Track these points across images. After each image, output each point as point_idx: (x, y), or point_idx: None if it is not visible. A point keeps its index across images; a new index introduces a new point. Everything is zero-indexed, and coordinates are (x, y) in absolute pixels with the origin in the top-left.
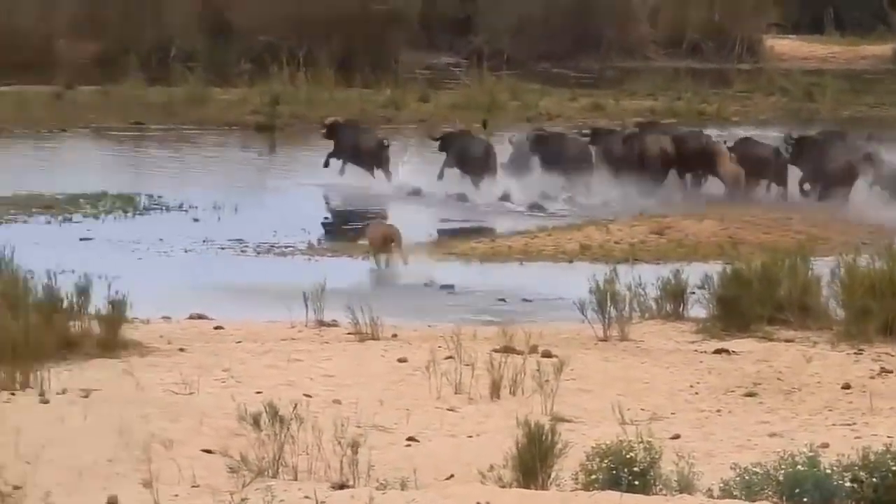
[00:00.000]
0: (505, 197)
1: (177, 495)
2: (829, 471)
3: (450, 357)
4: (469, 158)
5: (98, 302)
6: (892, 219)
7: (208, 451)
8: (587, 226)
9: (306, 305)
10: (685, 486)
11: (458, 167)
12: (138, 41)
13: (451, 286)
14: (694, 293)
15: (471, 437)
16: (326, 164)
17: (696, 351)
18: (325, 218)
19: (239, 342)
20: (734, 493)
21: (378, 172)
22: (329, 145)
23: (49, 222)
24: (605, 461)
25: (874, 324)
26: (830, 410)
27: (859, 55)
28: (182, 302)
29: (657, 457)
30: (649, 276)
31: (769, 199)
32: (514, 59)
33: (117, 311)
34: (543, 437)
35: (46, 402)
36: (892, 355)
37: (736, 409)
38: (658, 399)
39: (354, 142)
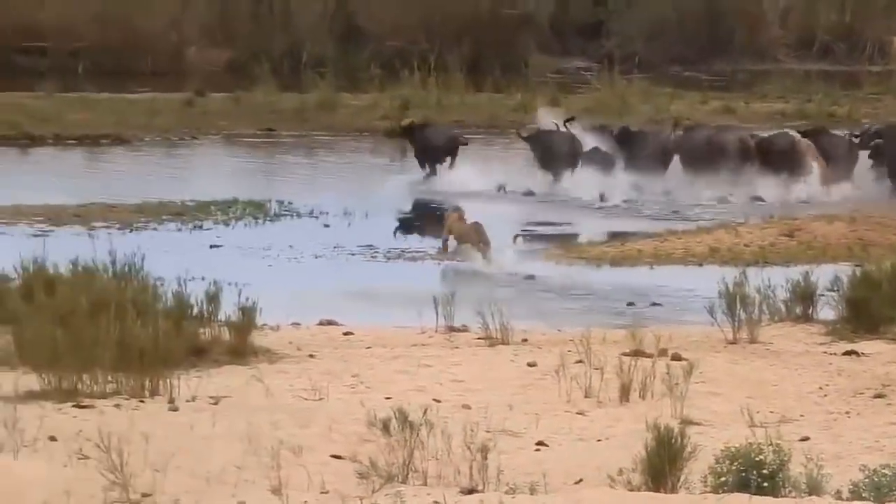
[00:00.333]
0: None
1: (306, 502)
2: None
3: (579, 361)
4: (556, 155)
5: (228, 309)
6: None
7: (338, 457)
8: (717, 229)
9: (436, 311)
10: (814, 489)
11: (541, 165)
12: (269, 47)
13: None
14: (823, 295)
15: (600, 440)
16: (423, 168)
17: (825, 353)
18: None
19: (368, 348)
20: (863, 495)
21: (446, 167)
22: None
23: (179, 229)
24: (735, 464)
25: None
26: None
27: None
28: (312, 308)
29: (786, 459)
30: (779, 279)
31: None
32: (646, 62)
33: (247, 318)
34: (673, 441)
35: (176, 409)
36: None
37: (865, 411)
38: (787, 401)
39: (429, 141)
